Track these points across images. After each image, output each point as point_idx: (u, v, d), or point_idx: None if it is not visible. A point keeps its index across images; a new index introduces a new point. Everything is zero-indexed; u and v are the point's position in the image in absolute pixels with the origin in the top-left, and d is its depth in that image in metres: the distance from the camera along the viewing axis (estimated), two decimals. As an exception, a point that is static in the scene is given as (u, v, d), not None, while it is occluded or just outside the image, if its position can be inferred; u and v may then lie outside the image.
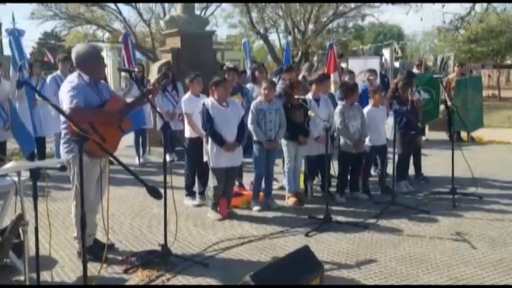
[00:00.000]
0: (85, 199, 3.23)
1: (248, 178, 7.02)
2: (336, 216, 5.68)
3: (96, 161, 4.24)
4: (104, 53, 4.54)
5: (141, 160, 9.18)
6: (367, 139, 6.72)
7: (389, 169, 6.89)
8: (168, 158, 8.57)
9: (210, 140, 5.74)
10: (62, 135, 4.35)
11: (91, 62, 4.30)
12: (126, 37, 9.84)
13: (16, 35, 7.16)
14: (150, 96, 4.56)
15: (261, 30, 26.69)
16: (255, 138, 6.23)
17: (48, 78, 8.22)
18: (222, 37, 39.17)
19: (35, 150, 7.46)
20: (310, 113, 5.84)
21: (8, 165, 2.97)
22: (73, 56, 4.35)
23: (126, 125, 4.45)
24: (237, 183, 6.98)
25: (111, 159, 3.31)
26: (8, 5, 22.04)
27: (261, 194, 6.37)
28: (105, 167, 4.32)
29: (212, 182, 5.89)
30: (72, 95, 4.05)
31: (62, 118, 4.26)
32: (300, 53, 25.02)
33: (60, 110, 3.60)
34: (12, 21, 7.09)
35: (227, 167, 5.80)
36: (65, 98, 4.08)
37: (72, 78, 4.26)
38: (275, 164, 6.52)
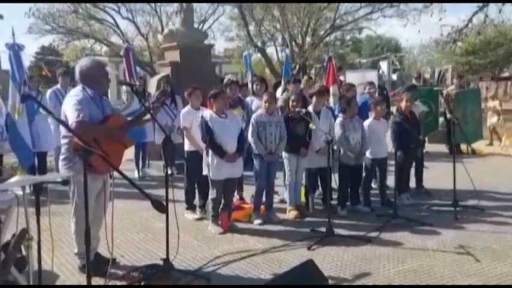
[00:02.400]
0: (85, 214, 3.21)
1: (249, 191, 7.01)
2: (338, 229, 5.66)
3: (96, 177, 4.22)
4: (107, 68, 4.56)
5: (140, 174, 9.18)
6: (367, 152, 6.75)
7: (390, 181, 6.89)
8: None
9: (210, 152, 5.75)
10: (62, 150, 4.32)
11: (95, 77, 4.32)
12: (128, 51, 9.85)
13: (16, 49, 7.18)
14: (149, 115, 4.55)
15: (259, 44, 26.84)
16: (255, 151, 6.25)
17: (48, 92, 8.25)
18: (219, 50, 39.38)
19: (36, 164, 7.45)
20: (311, 125, 5.87)
21: (13, 179, 2.97)
22: (77, 70, 4.37)
23: (128, 143, 4.47)
24: (238, 196, 6.99)
25: (115, 173, 3.31)
26: (6, 19, 22.15)
27: (262, 207, 6.37)
28: (107, 182, 4.31)
29: (211, 193, 5.90)
30: (78, 108, 4.06)
31: (63, 132, 4.24)
32: (297, 66, 25.14)
33: (64, 124, 3.60)
34: (12, 36, 7.12)
35: (226, 178, 5.81)
36: (71, 112, 4.07)
37: (77, 92, 4.27)
38: (276, 177, 6.52)
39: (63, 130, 4.24)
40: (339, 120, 6.65)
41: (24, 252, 3.56)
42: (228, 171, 5.79)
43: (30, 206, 3.24)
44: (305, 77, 11.11)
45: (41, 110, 7.01)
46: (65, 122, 3.86)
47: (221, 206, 5.95)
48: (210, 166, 5.77)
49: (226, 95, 6.05)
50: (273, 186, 6.47)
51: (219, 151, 5.70)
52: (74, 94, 4.24)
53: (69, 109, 4.10)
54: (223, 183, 5.83)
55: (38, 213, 3.20)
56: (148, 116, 4.59)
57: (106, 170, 4.08)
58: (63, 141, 4.30)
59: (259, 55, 29.10)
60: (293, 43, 26.49)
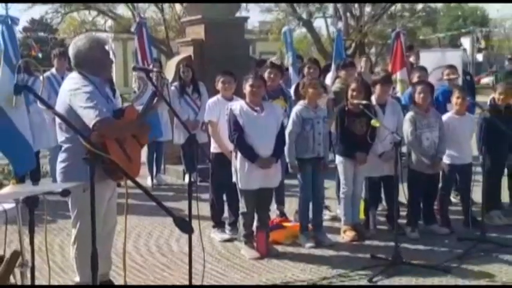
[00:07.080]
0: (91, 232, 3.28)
1: (292, 205, 7.01)
2: (407, 256, 5.61)
3: (109, 183, 4.31)
4: (107, 46, 4.65)
5: (154, 181, 9.31)
6: (445, 156, 6.66)
7: (476, 195, 6.78)
8: (187, 179, 8.68)
9: (239, 154, 5.82)
10: (63, 156, 4.38)
11: (95, 60, 4.39)
12: (141, 26, 9.86)
13: (9, 23, 7.24)
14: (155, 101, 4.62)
15: (304, 15, 26.78)
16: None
17: (40, 78, 8.38)
18: (253, 24, 39.50)
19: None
20: (374, 122, 5.82)
21: (4, 190, 3.05)
22: (72, 53, 4.43)
23: (144, 139, 4.56)
24: (277, 211, 7.01)
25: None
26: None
27: (309, 226, 6.37)
28: (114, 193, 4.41)
29: (241, 207, 5.95)
30: (96, 103, 4.13)
31: (64, 133, 4.30)
32: (353, 45, 25.00)
33: (70, 124, 3.62)
34: (5, 7, 7.21)
35: (259, 187, 5.85)
36: (86, 109, 4.11)
37: (80, 81, 4.30)
38: (325, 187, 6.50)
39: (64, 130, 4.31)
40: (408, 115, 6.58)
41: (14, 280, 3.64)
42: (262, 179, 5.82)
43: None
44: (363, 58, 11.02)
45: (39, 105, 7.00)
46: (69, 121, 3.84)
47: (256, 224, 5.99)
48: (239, 172, 5.83)
49: (262, 81, 6.01)
50: (321, 198, 6.47)
51: (250, 153, 5.75)
52: (79, 85, 4.26)
53: (82, 105, 4.12)
54: (255, 194, 5.88)
55: (31, 232, 3.28)
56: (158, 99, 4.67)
57: (120, 177, 4.22)
58: (66, 145, 4.34)
59: (303, 30, 29.03)
60: (348, 14, 26.33)
